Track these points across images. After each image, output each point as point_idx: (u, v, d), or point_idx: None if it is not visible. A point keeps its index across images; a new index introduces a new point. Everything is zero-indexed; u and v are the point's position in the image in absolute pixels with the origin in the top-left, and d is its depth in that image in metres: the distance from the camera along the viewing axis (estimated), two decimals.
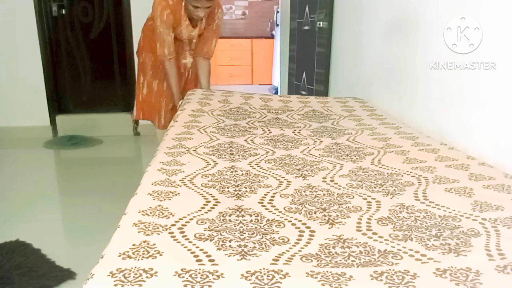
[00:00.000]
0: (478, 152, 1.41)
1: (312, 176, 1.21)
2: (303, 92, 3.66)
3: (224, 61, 6.26)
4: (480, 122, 1.44)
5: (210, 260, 0.77)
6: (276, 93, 5.44)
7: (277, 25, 5.45)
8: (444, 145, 1.50)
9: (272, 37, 6.08)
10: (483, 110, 1.43)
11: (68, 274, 1.65)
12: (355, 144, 1.53)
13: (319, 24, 3.18)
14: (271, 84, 6.03)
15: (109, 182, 2.96)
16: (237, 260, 0.78)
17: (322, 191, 1.10)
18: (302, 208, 1.00)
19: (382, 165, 1.30)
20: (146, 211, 0.96)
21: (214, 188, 1.11)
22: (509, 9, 1.30)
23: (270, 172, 1.24)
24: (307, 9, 3.47)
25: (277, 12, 5.43)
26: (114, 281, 0.70)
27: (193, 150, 1.43)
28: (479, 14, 1.44)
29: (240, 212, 0.97)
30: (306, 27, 3.52)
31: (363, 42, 2.54)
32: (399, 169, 1.26)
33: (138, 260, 0.77)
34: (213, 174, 1.22)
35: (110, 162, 3.66)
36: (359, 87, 2.61)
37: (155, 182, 1.13)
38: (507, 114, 1.32)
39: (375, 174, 1.22)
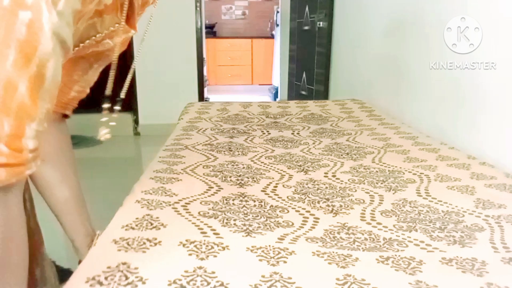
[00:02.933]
0: (479, 152, 1.41)
1: (314, 171, 1.21)
2: (303, 92, 3.66)
3: (224, 61, 6.25)
4: (480, 122, 1.45)
5: (215, 234, 0.77)
6: (276, 93, 5.44)
7: (277, 25, 5.45)
8: (444, 145, 1.50)
9: (272, 37, 6.08)
10: (483, 110, 1.44)
11: (68, 274, 1.65)
12: (355, 143, 1.54)
13: (319, 24, 3.19)
14: (271, 84, 6.03)
15: (109, 182, 2.96)
16: (243, 236, 0.78)
17: (325, 184, 1.11)
18: (306, 198, 1.00)
19: (383, 163, 1.31)
20: (149, 190, 0.97)
21: (216, 177, 1.12)
22: (509, 9, 1.31)
23: (271, 166, 1.25)
24: (307, 9, 3.48)
25: (277, 12, 5.43)
26: (118, 247, 0.70)
27: (192, 147, 1.44)
28: (479, 14, 1.45)
29: (243, 198, 0.98)
30: (306, 27, 3.53)
31: (363, 42, 2.55)
32: (401, 167, 1.26)
33: (142, 230, 0.76)
34: (214, 165, 1.22)
35: (110, 162, 3.64)
36: (359, 87, 2.62)
37: (156, 170, 1.14)
38: (507, 114, 1.32)
39: (377, 171, 1.22)
